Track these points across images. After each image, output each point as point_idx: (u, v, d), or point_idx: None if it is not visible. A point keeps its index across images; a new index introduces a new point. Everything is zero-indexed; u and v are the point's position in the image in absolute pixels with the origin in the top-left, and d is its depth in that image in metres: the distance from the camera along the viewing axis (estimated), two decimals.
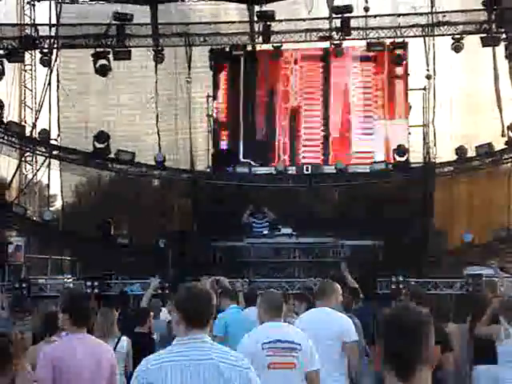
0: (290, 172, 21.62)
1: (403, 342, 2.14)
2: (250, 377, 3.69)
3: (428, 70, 21.19)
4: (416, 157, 21.53)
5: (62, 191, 23.55)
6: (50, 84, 21.65)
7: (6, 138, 20.36)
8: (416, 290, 7.27)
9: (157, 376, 3.58)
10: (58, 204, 27.93)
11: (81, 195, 28.09)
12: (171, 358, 3.65)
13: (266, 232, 19.42)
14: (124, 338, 7.99)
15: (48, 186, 24.15)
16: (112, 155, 21.29)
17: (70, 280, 23.01)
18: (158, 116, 22.23)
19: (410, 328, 2.17)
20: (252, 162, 21.73)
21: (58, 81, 21.82)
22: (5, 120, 20.57)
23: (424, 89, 21.72)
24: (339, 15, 20.82)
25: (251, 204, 19.96)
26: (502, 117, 20.59)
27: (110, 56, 21.25)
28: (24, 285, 17.20)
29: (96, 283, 16.99)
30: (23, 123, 22.89)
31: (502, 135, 20.39)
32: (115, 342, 7.76)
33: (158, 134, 22.21)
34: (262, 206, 19.86)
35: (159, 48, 21.76)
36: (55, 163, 22.59)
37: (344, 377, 6.62)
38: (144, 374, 3.63)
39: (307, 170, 21.16)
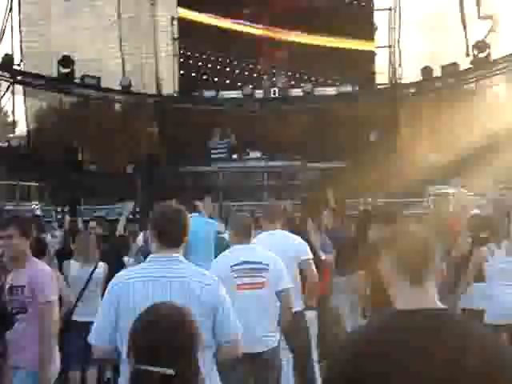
0: (257, 96, 21.59)
1: (416, 254, 2.49)
2: (219, 294, 3.76)
3: None
4: (383, 78, 21.62)
5: (26, 117, 23.27)
6: (11, 9, 21.15)
7: None
8: (389, 210, 7.43)
9: (126, 289, 3.65)
10: (23, 130, 27.62)
11: (45, 121, 27.75)
12: (142, 273, 3.73)
13: (223, 156, 19.45)
14: (101, 264, 8.05)
15: (13, 112, 23.85)
16: (77, 80, 21.02)
17: (38, 206, 22.94)
18: (121, 40, 21.90)
19: (421, 243, 2.52)
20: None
21: (19, 5, 21.30)
22: None
23: (390, 9, 21.65)
24: None
25: (218, 128, 19.96)
26: (466, 36, 20.65)
27: None
28: None
29: (66, 209, 16.97)
30: None
31: (467, 54, 20.49)
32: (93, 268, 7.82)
33: (122, 59, 21.93)
34: (227, 130, 19.87)
35: None
36: (19, 89, 22.25)
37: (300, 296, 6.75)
38: (114, 286, 3.71)
39: (274, 94, 21.17)
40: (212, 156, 19.60)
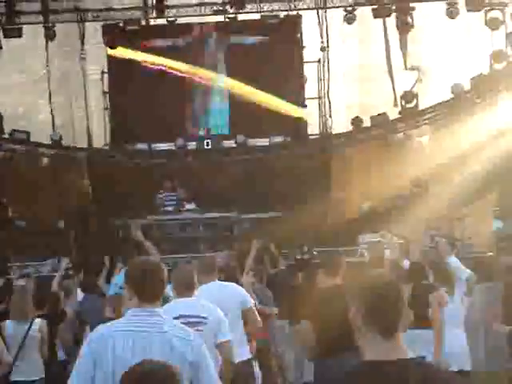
0: (189, 147, 21.59)
1: (390, 306, 2.43)
2: (202, 350, 3.74)
3: (322, 43, 21.48)
4: (313, 129, 21.94)
5: None
6: None
7: None
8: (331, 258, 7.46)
9: (106, 343, 3.58)
10: None
11: None
12: (122, 327, 3.68)
13: (170, 209, 19.43)
14: (37, 321, 7.87)
15: None
16: (6, 135, 20.69)
17: None
18: (50, 94, 21.70)
19: (392, 293, 2.46)
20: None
21: None
22: None
23: (318, 61, 22.05)
24: None
25: (168, 181, 19.82)
26: (393, 87, 21.18)
27: (0, 34, 20.54)
28: None
29: None
30: None
31: (395, 105, 21.00)
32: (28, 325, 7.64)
33: (52, 113, 21.72)
34: (175, 183, 19.82)
35: (50, 24, 21.14)
36: None
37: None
38: (94, 339, 3.65)
39: (207, 146, 21.22)
40: (164, 208, 19.48)
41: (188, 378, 3.55)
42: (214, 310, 5.69)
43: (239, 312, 6.61)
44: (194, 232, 18.68)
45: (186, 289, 5.72)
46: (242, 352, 6.37)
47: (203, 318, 5.56)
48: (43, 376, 7.69)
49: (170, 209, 19.53)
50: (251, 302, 6.86)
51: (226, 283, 6.94)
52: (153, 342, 3.57)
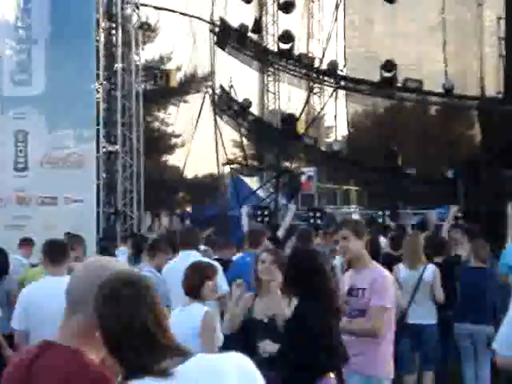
0: None
1: None
2: None
3: None
4: None
5: (348, 121, 23.80)
6: (337, 19, 21.70)
7: (297, 70, 20.84)
8: None
9: None
10: (343, 134, 28.35)
11: (362, 125, 28.22)
12: None
13: None
14: (430, 266, 7.96)
15: (335, 116, 24.54)
16: (399, 84, 20.96)
17: (357, 210, 23.38)
18: (444, 43, 21.46)
19: None
20: None
21: (344, 10, 21.82)
22: (295, 53, 21.01)
23: None
24: None
25: None
26: None
27: None
28: (317, 214, 17.58)
29: (387, 212, 16.98)
30: (310, 55, 23.28)
31: None
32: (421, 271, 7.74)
33: (445, 61, 21.48)
34: None
35: None
36: (341, 94, 22.84)
37: None
38: None
39: None
40: None
41: None
42: None
43: None
44: None
45: None
46: None
47: None
48: (435, 322, 7.74)
49: None
50: None
51: None
52: None
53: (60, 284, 5.41)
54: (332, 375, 4.46)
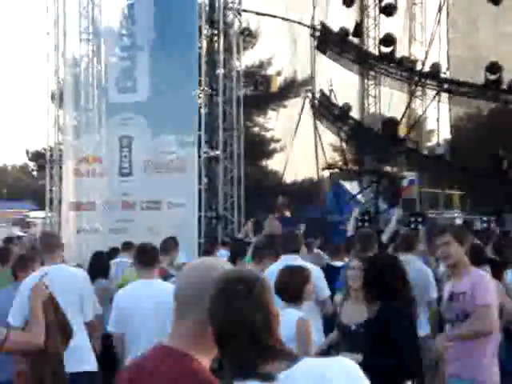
0: None
1: None
2: None
3: None
4: None
5: (451, 125, 23.33)
6: (439, 21, 21.25)
7: (398, 73, 20.59)
8: None
9: None
10: (445, 138, 27.78)
11: (468, 128, 27.57)
12: None
13: None
14: None
15: (437, 119, 24.09)
16: (504, 86, 20.38)
17: (460, 215, 22.83)
18: None
19: None
20: None
21: (447, 12, 21.40)
22: (397, 56, 20.75)
23: None
24: None
25: None
26: None
27: None
28: (419, 219, 17.24)
29: (492, 218, 16.53)
30: (412, 57, 22.92)
31: None
32: None
33: None
34: None
35: None
36: (444, 97, 22.39)
37: None
38: None
39: None
40: None
41: None
42: None
43: None
44: None
45: None
46: None
47: None
48: None
49: None
50: None
51: None
52: None
53: (150, 287, 5.61)
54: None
